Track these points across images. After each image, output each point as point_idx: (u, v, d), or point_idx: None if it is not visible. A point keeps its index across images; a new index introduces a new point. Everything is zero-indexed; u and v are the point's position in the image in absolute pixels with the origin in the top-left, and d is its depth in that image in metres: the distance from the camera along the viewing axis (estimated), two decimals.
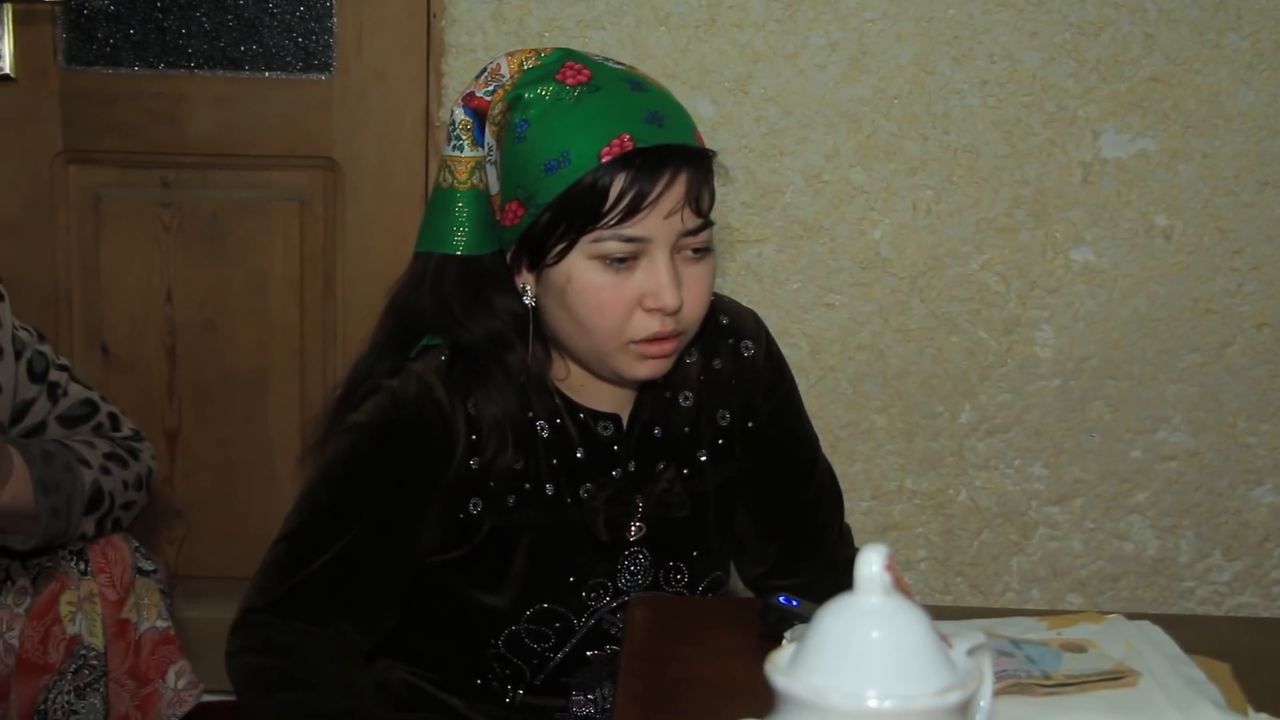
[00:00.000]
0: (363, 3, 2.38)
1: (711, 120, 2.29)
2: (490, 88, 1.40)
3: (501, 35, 2.29)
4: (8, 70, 2.38)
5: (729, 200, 2.30)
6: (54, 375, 1.62)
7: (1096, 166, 2.33)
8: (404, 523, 1.38)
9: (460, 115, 1.42)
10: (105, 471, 1.58)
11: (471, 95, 1.41)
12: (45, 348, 1.63)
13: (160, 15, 2.40)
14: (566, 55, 1.38)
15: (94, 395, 1.67)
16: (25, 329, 1.61)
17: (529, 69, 1.38)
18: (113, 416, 1.68)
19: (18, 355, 1.57)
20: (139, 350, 2.47)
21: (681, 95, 2.26)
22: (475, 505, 1.40)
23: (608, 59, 1.41)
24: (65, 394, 1.62)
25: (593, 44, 2.27)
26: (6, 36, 2.37)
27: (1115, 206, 2.34)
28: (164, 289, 2.45)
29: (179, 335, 2.47)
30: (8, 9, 2.37)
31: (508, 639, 1.44)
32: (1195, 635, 1.24)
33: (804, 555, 1.57)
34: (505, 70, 1.39)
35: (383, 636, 1.42)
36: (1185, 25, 2.28)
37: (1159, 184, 2.33)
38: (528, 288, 1.38)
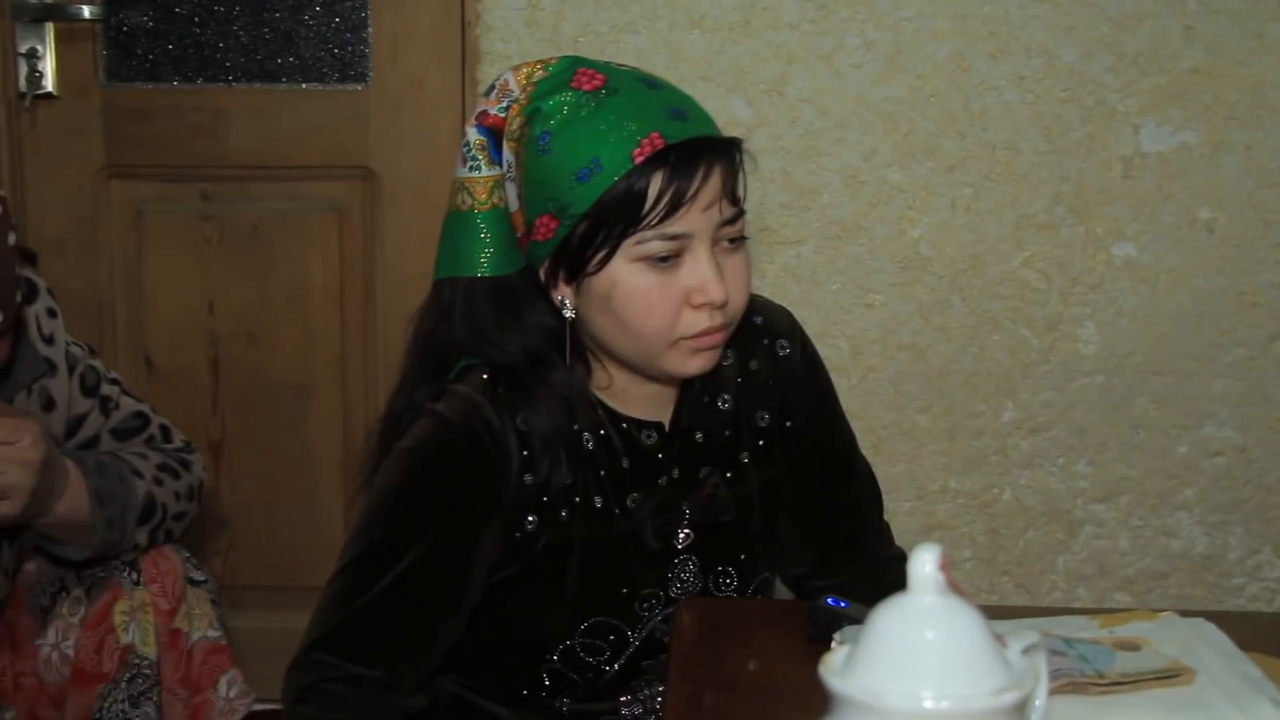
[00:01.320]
0: (398, 13, 2.39)
1: (748, 122, 2.28)
2: (503, 104, 1.38)
3: (536, 42, 2.30)
4: (50, 88, 2.40)
5: (767, 201, 2.30)
6: (106, 389, 1.64)
7: (1137, 161, 2.31)
8: (463, 545, 1.36)
9: (474, 135, 1.40)
10: (158, 483, 1.60)
11: (484, 114, 1.40)
12: (96, 362, 1.65)
13: (198, 30, 2.42)
14: (575, 63, 1.37)
15: (145, 408, 1.68)
16: (77, 344, 1.63)
17: (539, 80, 1.36)
18: (164, 429, 1.69)
19: (70, 370, 1.59)
20: (182, 362, 2.49)
21: (717, 97, 2.29)
22: (531, 522, 1.39)
23: (610, 63, 1.39)
24: (117, 407, 1.64)
25: (627, 48, 2.27)
26: (49, 54, 2.40)
27: (1157, 201, 2.32)
28: (206, 301, 2.47)
29: (221, 347, 2.49)
30: (50, 28, 2.39)
31: (563, 654, 1.43)
32: (1248, 632, 1.22)
33: (845, 554, 1.57)
34: (514, 85, 1.38)
35: (438, 664, 1.39)
36: (1225, 16, 2.26)
37: (1201, 177, 2.31)
38: (566, 300, 1.37)
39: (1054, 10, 2.27)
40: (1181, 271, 2.33)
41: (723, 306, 1.33)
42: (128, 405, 1.66)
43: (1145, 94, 2.29)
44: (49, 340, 1.56)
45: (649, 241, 1.31)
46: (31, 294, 1.56)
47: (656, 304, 1.32)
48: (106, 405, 1.63)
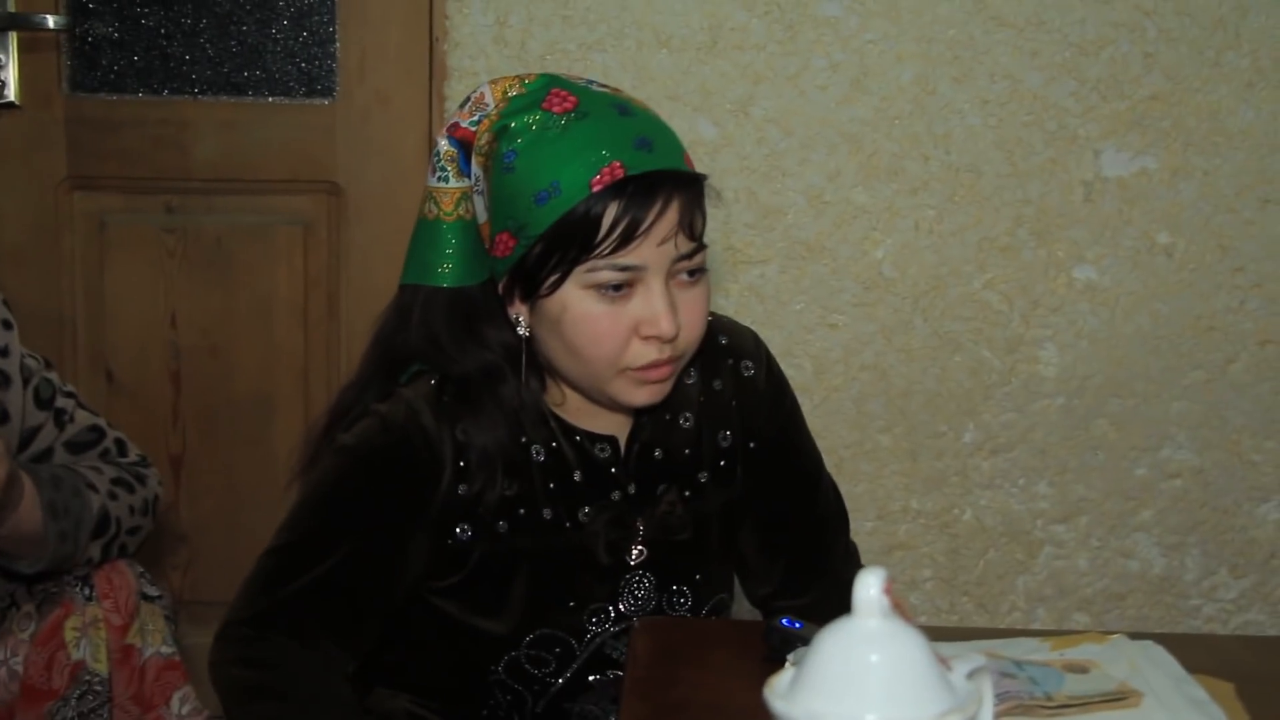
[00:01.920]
0: (365, 28, 2.40)
1: (713, 142, 2.29)
2: (475, 118, 1.39)
3: (503, 59, 2.30)
4: (12, 97, 2.39)
5: (731, 221, 2.31)
6: (60, 402, 1.63)
7: (1098, 185, 2.33)
8: (387, 547, 1.38)
9: (445, 146, 1.41)
10: (112, 497, 1.59)
11: (456, 126, 1.41)
12: (52, 375, 1.63)
13: (164, 42, 2.42)
14: (552, 82, 1.37)
15: (100, 422, 1.67)
16: (32, 356, 1.61)
17: (514, 97, 1.37)
18: (119, 442, 1.68)
19: (25, 382, 1.58)
20: (144, 375, 2.48)
21: (683, 117, 2.30)
22: (464, 531, 1.40)
23: (593, 82, 1.40)
24: (72, 420, 1.63)
25: (594, 66, 2.28)
26: (11, 64, 2.38)
27: (1117, 225, 2.34)
28: (168, 314, 2.46)
29: (183, 360, 2.48)
30: (12, 36, 2.38)
31: (508, 665, 1.44)
32: (1200, 654, 1.24)
33: (810, 575, 1.57)
34: (489, 99, 1.39)
35: (365, 655, 1.42)
36: (1184, 44, 2.29)
37: (1160, 202, 2.33)
38: (521, 318, 1.38)
39: (1017, 35, 2.29)
40: (1141, 295, 2.36)
41: (672, 340, 1.34)
42: (83, 418, 1.65)
43: (1106, 119, 2.31)
44: (4, 353, 1.55)
45: (600, 270, 1.31)
46: None
47: (605, 332, 1.33)
48: (61, 418, 1.62)
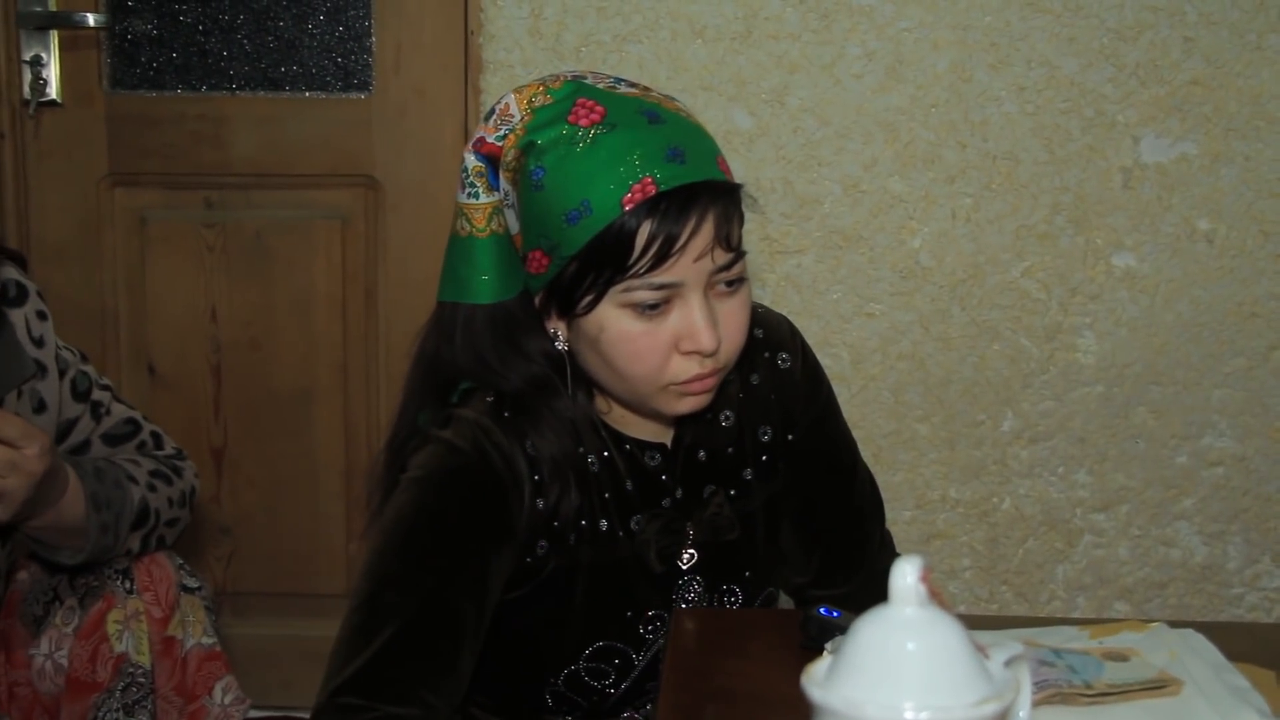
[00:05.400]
0: (401, 21, 2.41)
1: (749, 132, 2.29)
2: (501, 132, 1.33)
3: (538, 51, 2.31)
4: (54, 95, 2.42)
5: (768, 210, 2.30)
6: (97, 395, 1.64)
7: (1137, 171, 2.31)
8: (478, 572, 1.32)
9: (472, 161, 1.37)
10: (151, 489, 1.60)
11: (482, 140, 1.35)
12: (88, 368, 1.65)
13: (202, 39, 2.44)
14: (578, 90, 1.31)
15: (137, 415, 1.69)
16: (68, 349, 1.63)
17: (539, 108, 1.31)
18: (156, 435, 1.70)
19: (61, 374, 1.59)
20: (185, 369, 2.50)
21: (718, 107, 2.30)
22: (542, 547, 1.37)
23: (620, 81, 1.35)
24: (109, 413, 1.65)
25: (629, 57, 2.28)
26: (53, 62, 2.41)
27: (1156, 211, 2.32)
28: (209, 308, 2.48)
29: (224, 354, 2.50)
30: (54, 35, 2.41)
31: (568, 678, 1.42)
32: (1241, 642, 1.22)
33: (847, 565, 1.56)
34: (515, 110, 1.33)
35: (464, 692, 1.35)
36: (1225, 28, 2.26)
37: (1200, 188, 2.31)
38: (559, 334, 1.35)
39: (1054, 21, 2.27)
40: (1181, 282, 2.34)
41: (713, 353, 1.30)
42: (119, 411, 1.66)
43: (1145, 105, 2.29)
44: (39, 343, 1.56)
45: (636, 290, 1.27)
46: (20, 296, 1.56)
47: (644, 350, 1.29)
48: (98, 410, 1.63)
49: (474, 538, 1.32)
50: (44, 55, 2.40)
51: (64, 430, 1.61)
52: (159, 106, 2.44)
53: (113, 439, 1.64)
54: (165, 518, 1.61)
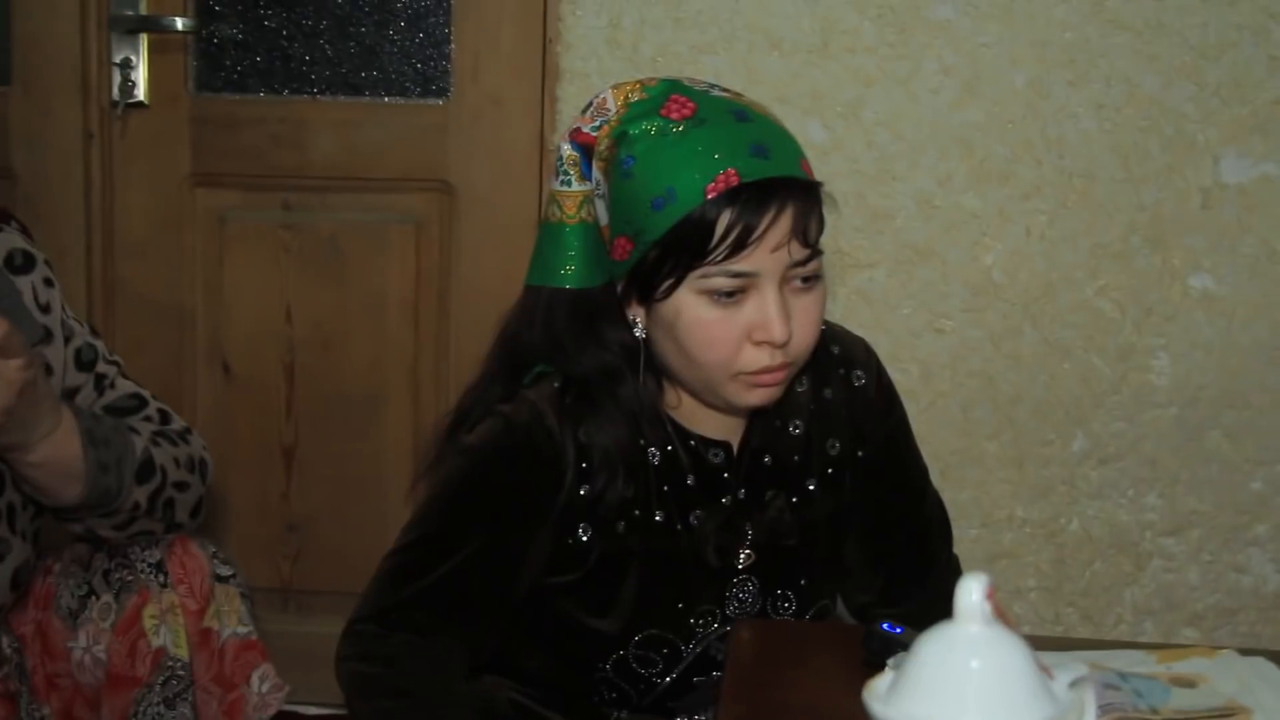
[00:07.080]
0: (480, 29, 2.43)
1: (823, 145, 2.29)
2: (596, 123, 1.40)
3: (616, 61, 2.32)
4: (141, 97, 2.47)
5: (840, 225, 2.30)
6: (102, 367, 1.61)
7: (1216, 191, 2.28)
8: (512, 547, 1.40)
9: (567, 150, 1.43)
10: (155, 444, 1.56)
11: (578, 131, 1.42)
12: (98, 342, 1.62)
13: (285, 43, 2.48)
14: (672, 88, 1.38)
15: (145, 392, 1.65)
16: (77, 320, 1.61)
17: (634, 102, 1.38)
18: (162, 412, 1.65)
19: (66, 340, 1.58)
20: (259, 368, 2.54)
21: (793, 120, 2.29)
22: (585, 531, 1.42)
23: (714, 86, 1.41)
24: (112, 386, 1.61)
25: (705, 69, 2.28)
26: (141, 64, 2.46)
27: (1235, 232, 2.29)
28: (284, 308, 2.52)
29: (297, 354, 2.53)
30: (143, 38, 2.46)
31: (615, 663, 1.45)
32: None
33: (912, 584, 1.57)
34: (611, 104, 1.39)
35: (487, 654, 1.43)
36: None
37: None
38: (638, 320, 1.39)
39: (1135, 39, 2.25)
40: (1259, 304, 2.30)
41: (784, 346, 1.34)
42: (124, 386, 1.63)
43: (1226, 124, 2.26)
44: (45, 309, 1.55)
45: (714, 277, 1.32)
46: (28, 264, 1.55)
47: (718, 337, 1.33)
48: (101, 383, 1.60)
49: (511, 516, 1.39)
50: (133, 58, 2.45)
51: (65, 398, 1.55)
52: (241, 109, 2.48)
53: (117, 411, 1.60)
54: (173, 478, 1.57)
